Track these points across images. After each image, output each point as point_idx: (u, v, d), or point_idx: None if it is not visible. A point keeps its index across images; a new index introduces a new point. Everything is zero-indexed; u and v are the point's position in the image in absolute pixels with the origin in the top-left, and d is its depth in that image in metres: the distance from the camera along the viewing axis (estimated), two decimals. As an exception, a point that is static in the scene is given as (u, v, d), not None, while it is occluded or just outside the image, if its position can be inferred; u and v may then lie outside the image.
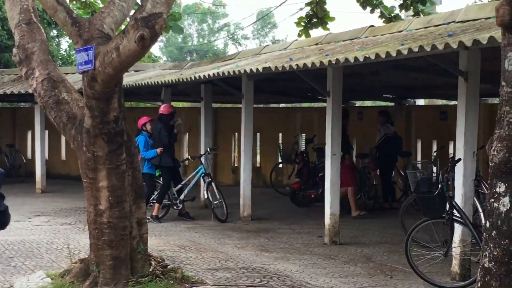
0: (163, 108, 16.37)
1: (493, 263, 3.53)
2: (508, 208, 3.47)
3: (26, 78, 10.46)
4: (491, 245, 3.52)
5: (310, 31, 15.53)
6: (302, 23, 15.53)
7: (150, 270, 9.79)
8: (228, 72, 14.42)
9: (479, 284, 3.59)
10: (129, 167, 9.77)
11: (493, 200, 3.51)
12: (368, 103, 25.60)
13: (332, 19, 15.36)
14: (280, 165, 21.67)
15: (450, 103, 18.37)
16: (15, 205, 17.93)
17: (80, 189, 11.07)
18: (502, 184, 3.49)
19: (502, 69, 3.50)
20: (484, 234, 3.56)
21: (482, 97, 12.26)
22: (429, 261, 10.18)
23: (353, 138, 19.38)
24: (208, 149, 17.07)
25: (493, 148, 3.50)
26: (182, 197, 15.93)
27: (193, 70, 17.63)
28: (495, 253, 3.50)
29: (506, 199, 3.45)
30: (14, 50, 10.44)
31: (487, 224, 3.56)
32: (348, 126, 17.19)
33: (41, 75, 10.06)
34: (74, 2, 16.84)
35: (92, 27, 9.49)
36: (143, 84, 17.75)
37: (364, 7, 14.88)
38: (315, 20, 15.30)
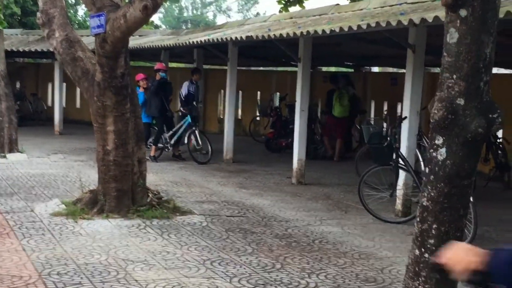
0: (158, 66, 16.27)
1: (430, 202, 3.60)
2: (444, 157, 3.55)
3: (47, 38, 10.48)
4: (429, 187, 3.59)
5: (289, 8, 15.36)
6: (283, 2, 15.46)
7: (148, 201, 9.91)
8: (217, 39, 14.60)
9: (418, 219, 3.67)
10: (132, 115, 9.86)
11: (432, 150, 3.58)
12: (332, 69, 25.48)
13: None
14: (258, 118, 21.68)
15: (400, 71, 18.33)
16: (37, 144, 17.96)
17: (91, 132, 11.10)
18: (440, 137, 3.58)
19: (444, 42, 3.56)
20: (424, 178, 3.64)
21: (426, 67, 12.22)
22: (377, 200, 10.33)
23: (319, 98, 19.30)
24: (195, 103, 17.02)
25: (434, 107, 3.57)
26: (172, 141, 15.91)
27: (187, 36, 17.54)
28: (432, 194, 3.57)
29: (443, 150, 3.53)
30: (38, 14, 10.48)
31: (427, 170, 3.64)
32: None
33: (60, 36, 10.10)
34: None
35: (104, -4, 9.40)
36: (146, 46, 17.82)
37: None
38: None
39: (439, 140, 3.60)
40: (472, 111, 3.54)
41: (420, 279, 3.66)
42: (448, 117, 3.53)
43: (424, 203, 3.66)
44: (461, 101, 3.53)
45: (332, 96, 16.71)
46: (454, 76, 3.54)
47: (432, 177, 3.64)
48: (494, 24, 3.58)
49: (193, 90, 16.59)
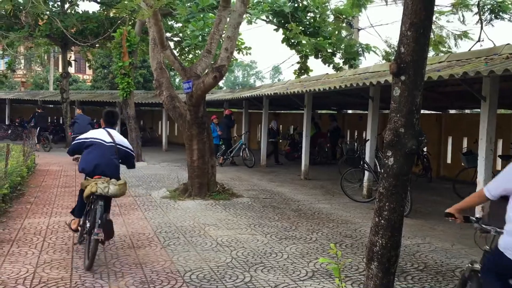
0: (226, 112, 16.57)
1: (384, 189, 3.57)
2: (392, 163, 3.51)
3: (159, 95, 10.68)
4: (383, 181, 3.56)
5: (301, 76, 15.61)
6: (297, 73, 15.67)
7: (217, 189, 10.03)
8: (257, 94, 14.56)
9: (377, 200, 3.59)
10: (207, 139, 9.91)
11: (385, 159, 3.52)
12: (323, 111, 25.33)
13: (311, 70, 15.46)
14: (280, 140, 21.68)
15: (364, 112, 18.15)
16: (153, 156, 18.24)
17: (183, 150, 11.15)
18: (390, 151, 3.54)
19: (392, 95, 3.49)
20: (380, 176, 3.54)
21: (380, 109, 12.11)
22: (352, 189, 10.23)
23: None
24: (245, 131, 17.11)
25: (386, 133, 3.50)
26: (232, 154, 15.97)
27: (239, 93, 17.63)
28: (386, 185, 3.52)
29: (392, 159, 3.52)
30: (154, 82, 10.57)
31: (382, 171, 3.54)
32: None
33: (166, 94, 10.31)
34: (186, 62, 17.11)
35: (191, 71, 9.73)
36: (215, 99, 17.84)
37: (324, 63, 14.79)
38: (303, 71, 15.39)
39: (389, 153, 3.56)
40: (409, 135, 3.50)
41: (378, 235, 3.62)
42: (394, 139, 3.51)
43: (381, 190, 3.62)
44: (402, 130, 3.50)
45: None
46: (398, 115, 3.52)
47: (385, 175, 3.60)
48: (421, 84, 3.55)
49: (275, 126, 17.10)
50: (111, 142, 5.60)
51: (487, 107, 7.34)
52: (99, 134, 5.67)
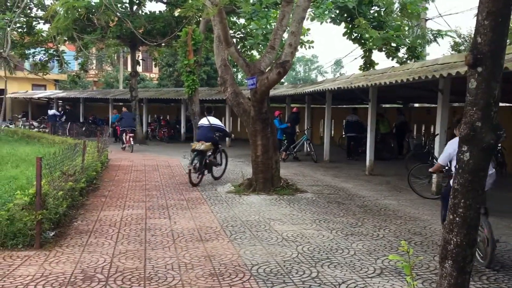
0: (294, 109, 16.89)
1: (459, 186, 3.43)
2: (468, 158, 3.35)
3: (223, 92, 10.88)
4: (459, 177, 3.42)
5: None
6: (362, 67, 15.42)
7: (280, 184, 10.08)
8: (320, 89, 14.46)
9: (451, 197, 3.45)
10: (271, 135, 9.98)
11: (460, 154, 3.36)
12: (387, 105, 24.73)
13: (377, 64, 15.12)
14: (343, 135, 21.35)
15: (432, 105, 17.52)
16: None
17: (247, 145, 11.28)
18: (466, 146, 3.38)
19: (467, 87, 3.34)
20: (455, 171, 3.40)
21: (450, 102, 11.64)
22: (420, 185, 9.94)
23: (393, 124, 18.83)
24: (308, 127, 17.04)
25: (462, 127, 3.35)
26: (295, 150, 15.97)
27: (302, 88, 17.53)
28: (461, 181, 3.40)
29: (467, 154, 3.39)
30: (219, 79, 10.77)
31: (457, 166, 3.40)
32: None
33: (231, 90, 10.44)
34: (248, 58, 17.39)
35: (255, 67, 9.77)
36: (278, 94, 17.79)
37: (388, 57, 14.44)
38: (368, 65, 15.11)
39: (464, 148, 3.42)
40: (486, 130, 3.35)
41: (453, 233, 3.49)
42: (471, 134, 3.36)
43: (455, 186, 3.47)
44: (478, 124, 3.35)
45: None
46: (474, 108, 3.36)
47: (460, 170, 3.46)
48: (500, 75, 3.37)
49: (351, 119, 16.69)
50: (208, 124, 10.91)
51: None
52: (203, 121, 11.10)
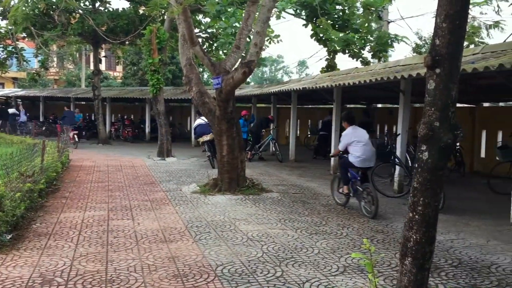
0: (270, 116, 17.04)
1: (418, 184, 3.50)
2: (427, 157, 3.43)
3: (188, 91, 10.80)
4: (418, 176, 3.51)
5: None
6: (324, 70, 15.58)
7: (246, 184, 10.06)
8: (285, 89, 14.49)
9: (411, 195, 3.54)
10: (236, 135, 9.91)
11: (419, 153, 3.45)
12: (351, 105, 25.14)
13: (338, 69, 15.45)
14: (309, 135, 21.55)
15: (394, 106, 17.89)
16: (182, 152, 18.42)
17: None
18: (424, 145, 3.46)
19: (426, 88, 3.41)
20: (414, 170, 3.48)
21: (412, 103, 11.91)
22: (382, 183, 10.06)
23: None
24: (273, 126, 17.11)
25: (420, 127, 3.43)
26: (260, 150, 16.00)
27: (268, 88, 17.59)
28: (420, 180, 3.47)
29: (426, 153, 3.47)
30: (184, 78, 10.70)
31: (416, 165, 3.48)
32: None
33: (196, 90, 10.38)
34: (214, 58, 17.32)
35: (221, 67, 9.74)
36: (243, 94, 17.73)
37: (353, 58, 14.65)
38: (329, 69, 15.30)
39: (423, 147, 3.50)
40: (444, 129, 3.44)
41: (412, 230, 3.56)
42: (429, 133, 3.44)
43: (415, 185, 3.56)
44: (437, 124, 3.43)
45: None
46: (433, 109, 3.45)
47: (419, 169, 3.55)
48: (457, 77, 3.47)
49: (326, 119, 16.69)
50: (205, 122, 13.18)
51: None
52: (199, 121, 13.88)
